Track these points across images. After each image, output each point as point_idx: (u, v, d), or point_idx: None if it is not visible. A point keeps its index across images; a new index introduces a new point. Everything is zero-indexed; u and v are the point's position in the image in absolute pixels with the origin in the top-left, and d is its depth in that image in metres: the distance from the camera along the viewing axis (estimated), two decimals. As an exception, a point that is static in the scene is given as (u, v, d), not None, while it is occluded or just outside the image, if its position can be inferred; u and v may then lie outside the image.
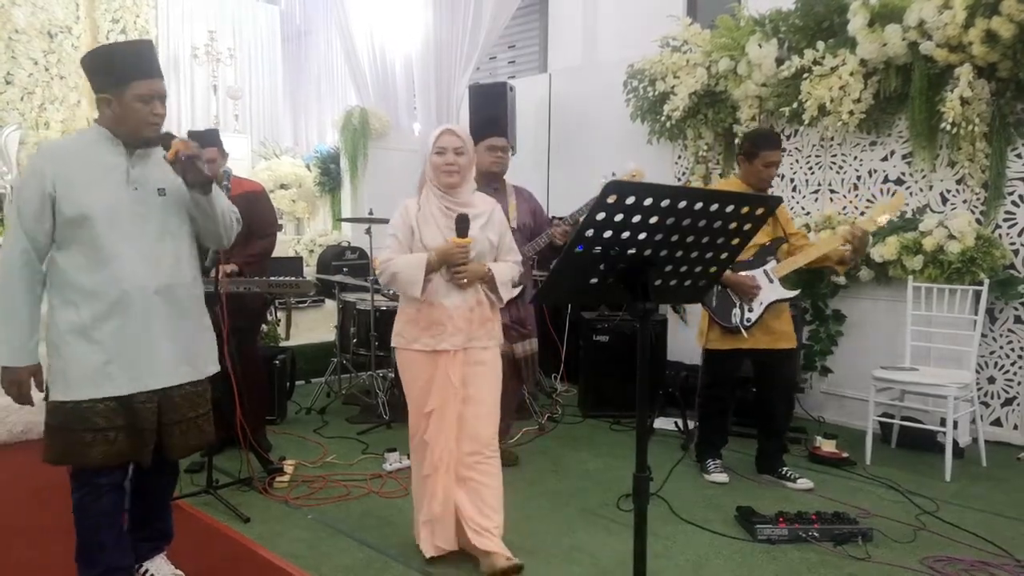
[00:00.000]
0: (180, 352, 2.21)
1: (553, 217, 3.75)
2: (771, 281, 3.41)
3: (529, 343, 3.66)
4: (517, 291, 3.51)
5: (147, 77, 2.08)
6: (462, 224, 2.50)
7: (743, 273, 3.40)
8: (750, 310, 3.39)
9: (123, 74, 2.06)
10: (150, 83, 2.09)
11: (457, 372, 2.56)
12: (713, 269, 1.85)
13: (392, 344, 2.68)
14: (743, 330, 3.37)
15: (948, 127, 4.05)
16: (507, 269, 2.66)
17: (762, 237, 3.43)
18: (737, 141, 5.04)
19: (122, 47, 2.17)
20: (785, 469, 3.55)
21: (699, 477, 3.61)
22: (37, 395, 2.17)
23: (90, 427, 2.08)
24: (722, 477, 3.54)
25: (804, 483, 3.47)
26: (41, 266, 2.12)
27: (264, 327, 5.05)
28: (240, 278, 3.52)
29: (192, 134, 3.78)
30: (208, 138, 3.71)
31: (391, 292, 4.55)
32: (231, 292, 3.38)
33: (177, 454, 2.26)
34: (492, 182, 3.66)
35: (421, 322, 2.56)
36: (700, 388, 3.67)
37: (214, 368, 2.37)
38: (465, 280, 2.54)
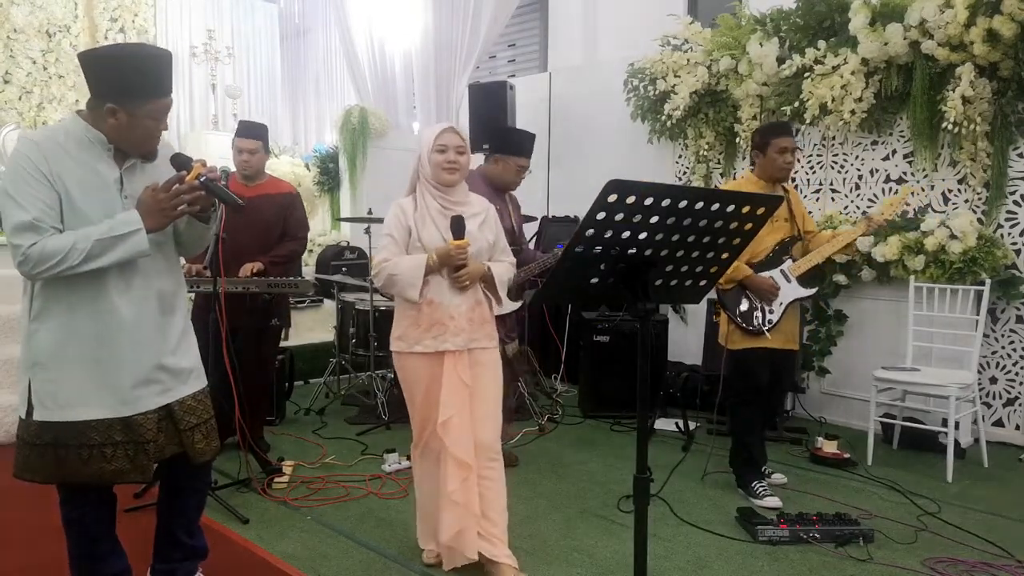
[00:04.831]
0: (180, 365, 2.11)
1: (543, 218, 3.81)
2: (789, 281, 3.35)
3: (513, 343, 3.75)
4: (517, 305, 3.59)
5: (165, 96, 1.96)
6: (457, 225, 2.49)
7: (761, 275, 3.32)
8: (771, 311, 3.31)
9: (143, 90, 1.91)
10: (166, 102, 1.97)
11: (466, 373, 2.53)
12: (714, 269, 1.84)
13: (392, 349, 2.62)
14: (766, 332, 3.30)
15: (950, 126, 4.05)
16: (504, 269, 2.65)
17: (778, 235, 3.36)
18: (739, 140, 5.03)
19: (144, 59, 1.93)
20: (766, 468, 3.52)
21: (700, 478, 3.59)
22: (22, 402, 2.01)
23: (85, 443, 1.95)
24: (775, 501, 3.24)
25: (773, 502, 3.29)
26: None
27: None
28: (239, 278, 3.50)
29: (243, 124, 3.78)
30: (256, 130, 3.72)
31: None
32: (234, 292, 3.38)
33: (206, 456, 2.17)
34: (505, 191, 3.79)
35: (423, 323, 2.52)
36: (729, 398, 3.47)
37: (204, 378, 2.27)
38: (468, 282, 2.53)
